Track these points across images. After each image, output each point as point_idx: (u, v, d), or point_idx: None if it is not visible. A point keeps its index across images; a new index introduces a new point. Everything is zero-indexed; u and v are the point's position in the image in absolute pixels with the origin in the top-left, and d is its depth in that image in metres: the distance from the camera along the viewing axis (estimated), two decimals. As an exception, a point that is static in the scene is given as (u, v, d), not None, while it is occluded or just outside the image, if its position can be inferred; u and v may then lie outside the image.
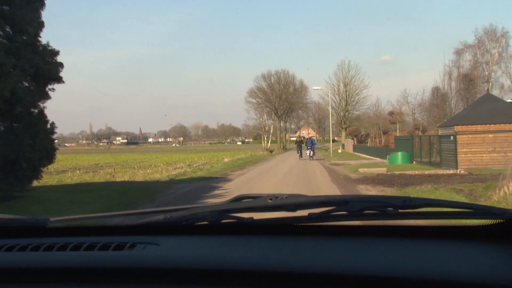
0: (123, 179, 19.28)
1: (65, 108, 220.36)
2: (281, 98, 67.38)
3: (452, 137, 20.15)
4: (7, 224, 1.52)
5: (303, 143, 36.39)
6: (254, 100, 68.15)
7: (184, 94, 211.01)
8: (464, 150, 19.70)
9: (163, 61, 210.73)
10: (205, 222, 1.45)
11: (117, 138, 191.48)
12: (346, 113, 62.89)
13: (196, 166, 27.31)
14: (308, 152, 33.19)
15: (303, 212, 1.37)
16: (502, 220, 1.28)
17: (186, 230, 1.48)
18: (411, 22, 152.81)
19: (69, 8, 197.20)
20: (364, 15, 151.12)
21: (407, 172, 18.07)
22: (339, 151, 51.79)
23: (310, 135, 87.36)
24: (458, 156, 19.66)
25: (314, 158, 33.54)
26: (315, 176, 18.38)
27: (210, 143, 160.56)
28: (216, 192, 13.33)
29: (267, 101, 67.50)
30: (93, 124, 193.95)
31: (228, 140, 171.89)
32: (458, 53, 41.62)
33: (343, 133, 65.00)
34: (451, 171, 18.43)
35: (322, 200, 1.44)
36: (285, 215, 1.41)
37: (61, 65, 11.19)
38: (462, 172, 17.88)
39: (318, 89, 55.41)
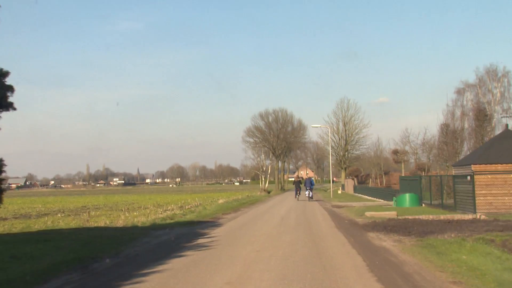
0: (101, 224, 17.35)
1: (62, 149, 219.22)
2: (279, 138, 65.84)
3: (469, 177, 18.04)
4: None
5: (301, 183, 35.65)
6: (251, 140, 66.48)
7: (181, 135, 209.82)
8: (483, 192, 17.60)
9: (160, 101, 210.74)
10: None
11: (114, 179, 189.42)
12: (346, 153, 61.03)
13: (187, 208, 25.87)
14: (307, 192, 32.75)
15: None
16: None
17: None
18: (409, 61, 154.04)
19: (64, 50, 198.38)
20: (360, 54, 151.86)
21: (421, 217, 16.00)
22: (339, 192, 50.08)
23: (308, 176, 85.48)
24: (476, 198, 17.55)
25: (313, 199, 32.81)
26: (316, 221, 16.29)
27: (207, 184, 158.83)
28: (200, 241, 11.20)
29: (264, 140, 65.84)
30: (90, 165, 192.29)
31: (226, 180, 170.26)
32: (460, 92, 40.75)
33: (343, 174, 63.05)
34: (470, 216, 16.30)
35: None
36: None
37: (10, 88, 9.19)
38: (483, 217, 15.76)
39: (317, 127, 53.69)
